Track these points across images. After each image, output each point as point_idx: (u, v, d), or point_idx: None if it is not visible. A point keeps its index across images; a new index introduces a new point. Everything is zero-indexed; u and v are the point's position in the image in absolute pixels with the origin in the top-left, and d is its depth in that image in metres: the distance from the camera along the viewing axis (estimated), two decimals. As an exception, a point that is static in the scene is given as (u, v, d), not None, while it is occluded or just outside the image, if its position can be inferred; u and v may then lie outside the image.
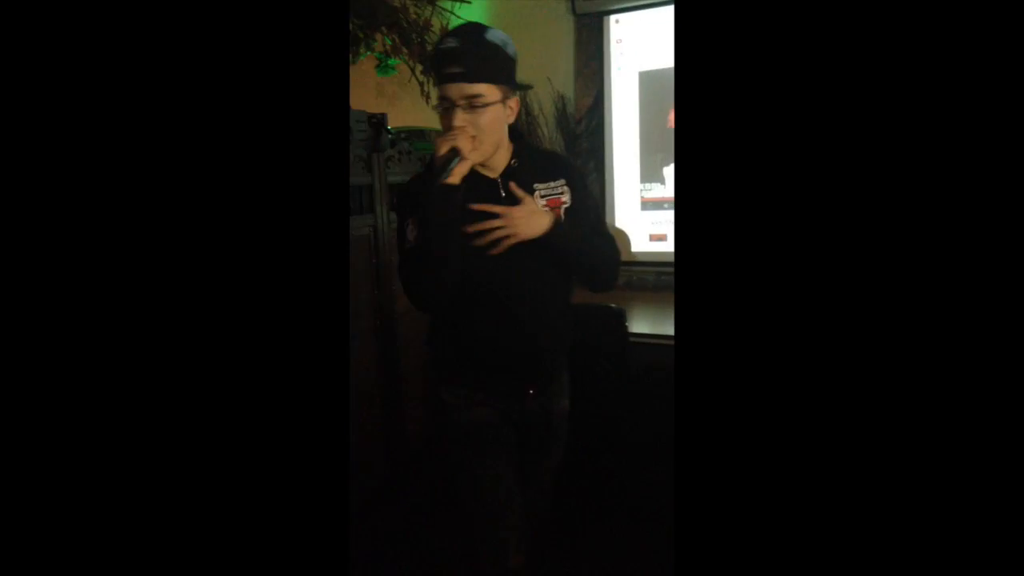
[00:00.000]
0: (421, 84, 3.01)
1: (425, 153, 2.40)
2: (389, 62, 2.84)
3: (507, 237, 1.20)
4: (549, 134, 2.97)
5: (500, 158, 1.29)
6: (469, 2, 2.94)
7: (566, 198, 1.32)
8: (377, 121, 2.17)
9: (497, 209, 1.21)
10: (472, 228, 1.20)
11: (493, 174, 1.29)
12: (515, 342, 1.28)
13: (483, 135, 1.20)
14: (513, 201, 1.24)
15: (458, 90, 1.18)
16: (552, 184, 1.31)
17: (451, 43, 1.18)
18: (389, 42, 2.78)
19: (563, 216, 1.29)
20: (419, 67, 2.94)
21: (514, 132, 1.32)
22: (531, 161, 1.31)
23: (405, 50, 2.81)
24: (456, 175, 1.18)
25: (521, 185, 1.26)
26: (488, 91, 1.19)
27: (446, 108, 1.20)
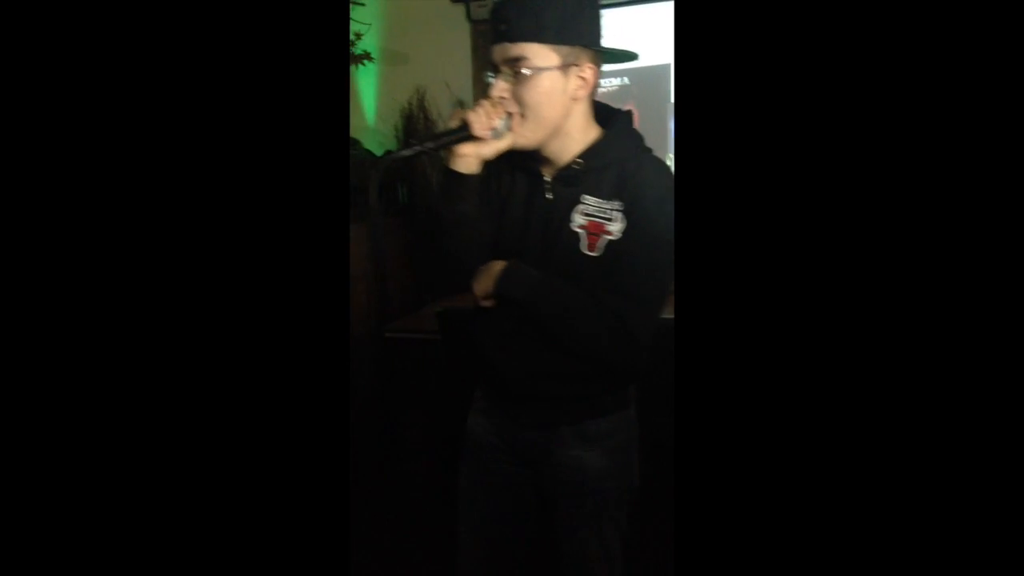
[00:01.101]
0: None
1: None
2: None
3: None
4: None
5: (564, 150, 0.95)
6: (363, 3, 2.90)
7: (613, 227, 0.92)
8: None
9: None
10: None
11: (548, 172, 0.97)
12: (510, 356, 1.00)
13: (528, 111, 0.90)
14: (556, 212, 0.95)
15: (500, 52, 0.90)
16: (605, 204, 0.93)
17: None
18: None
19: (603, 251, 0.93)
20: (312, 68, 2.86)
21: (614, 119, 0.98)
22: (600, 164, 0.95)
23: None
24: (466, 158, 0.91)
25: (569, 192, 0.95)
26: (536, 53, 0.88)
27: (491, 77, 0.93)
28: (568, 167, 0.96)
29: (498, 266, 0.96)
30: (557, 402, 1.02)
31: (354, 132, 3.01)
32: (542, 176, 0.98)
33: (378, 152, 2.87)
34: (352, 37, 2.84)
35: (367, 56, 2.88)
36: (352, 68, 2.91)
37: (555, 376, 0.99)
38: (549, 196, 0.97)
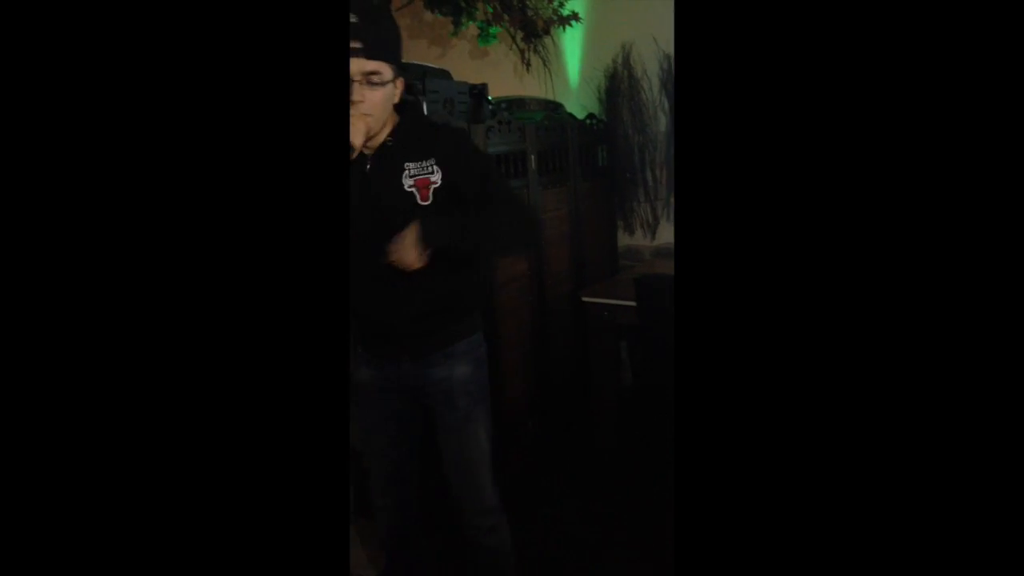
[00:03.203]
0: (522, 52, 2.98)
1: (525, 122, 2.39)
2: (490, 31, 2.84)
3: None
4: (653, 96, 2.87)
5: (380, 135, 1.31)
6: (571, -36, 2.87)
7: (435, 178, 1.28)
8: (478, 92, 2.19)
9: (399, 236, 1.21)
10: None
11: (368, 151, 1.32)
12: (389, 309, 1.34)
13: (375, 111, 1.24)
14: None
15: (357, 65, 1.21)
16: (423, 163, 1.29)
17: (352, 18, 1.20)
18: (491, 10, 2.78)
19: (431, 196, 1.28)
20: (520, 34, 2.92)
21: (401, 108, 1.34)
22: (408, 139, 1.31)
23: (506, 17, 2.80)
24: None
25: (392, 164, 1.29)
26: (384, 69, 1.23)
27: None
28: (383, 146, 1.31)
29: (411, 233, 1.19)
30: (429, 336, 1.37)
31: (557, 96, 3.03)
32: (363, 155, 1.31)
33: (580, 115, 2.86)
34: (560, -2, 2.85)
35: (575, 16, 2.86)
36: (559, 30, 2.91)
37: (426, 317, 1.35)
38: (368, 167, 1.31)
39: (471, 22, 2.82)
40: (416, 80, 1.97)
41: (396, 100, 1.30)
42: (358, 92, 1.22)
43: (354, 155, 1.24)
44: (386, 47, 1.24)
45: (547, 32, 2.90)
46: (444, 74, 2.24)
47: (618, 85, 2.91)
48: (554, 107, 2.75)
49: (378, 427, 1.45)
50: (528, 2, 2.81)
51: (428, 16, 2.86)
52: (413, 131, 1.33)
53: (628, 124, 2.91)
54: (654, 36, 2.80)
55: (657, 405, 2.55)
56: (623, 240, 3.04)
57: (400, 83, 1.30)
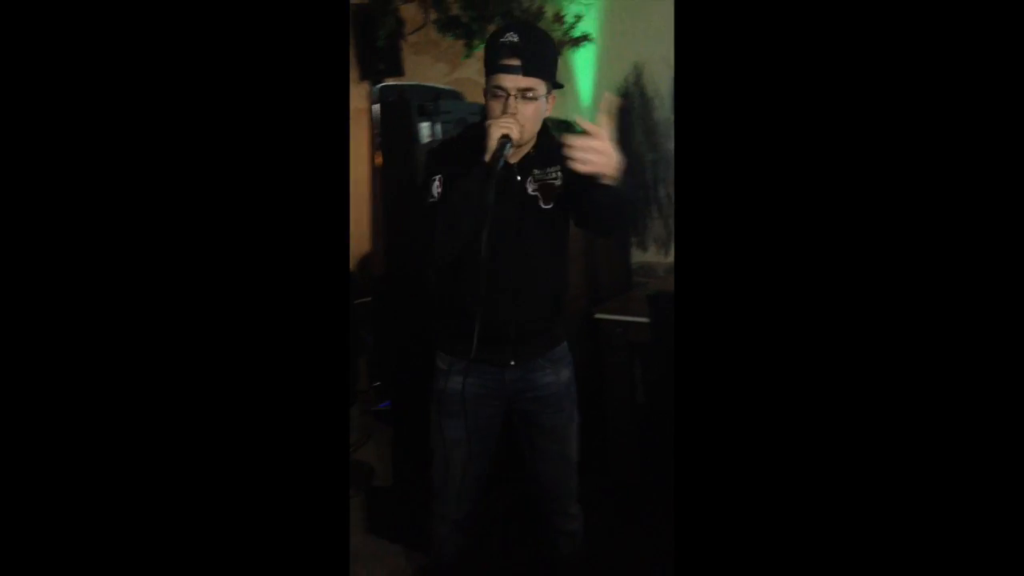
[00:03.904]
0: (534, 72, 3.00)
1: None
2: (503, 52, 2.87)
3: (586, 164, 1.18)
4: (665, 114, 2.88)
5: (526, 146, 1.40)
6: (583, -16, 2.91)
7: (557, 183, 1.41)
8: (490, 112, 2.22)
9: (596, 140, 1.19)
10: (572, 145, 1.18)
11: (513, 160, 1.40)
12: (494, 316, 1.38)
13: (528, 124, 1.33)
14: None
15: (515, 81, 1.30)
16: (548, 170, 1.40)
17: (513, 37, 1.31)
18: (503, 32, 2.82)
19: (555, 202, 1.41)
20: (532, 55, 2.95)
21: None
22: (543, 151, 1.41)
23: (518, 39, 2.84)
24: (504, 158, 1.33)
25: (525, 171, 1.40)
26: (539, 85, 1.32)
27: (498, 95, 1.32)
28: (527, 157, 1.41)
29: (606, 133, 1.17)
30: (533, 341, 1.46)
31: (569, 114, 3.06)
32: (510, 167, 1.39)
33: (593, 133, 2.88)
34: (572, 19, 2.87)
35: (586, 38, 2.90)
36: (571, 51, 2.95)
37: (531, 321, 1.44)
38: (519, 178, 1.41)
39: (483, 44, 2.86)
40: (429, 101, 2.00)
41: (546, 114, 1.39)
42: (514, 105, 1.31)
43: (510, 152, 1.30)
44: (543, 65, 1.33)
45: (559, 53, 2.94)
46: (456, 95, 2.27)
47: (631, 103, 2.93)
48: (566, 126, 2.77)
49: (470, 435, 1.47)
50: (539, 23, 2.85)
51: (438, 38, 2.91)
52: (546, 145, 1.43)
53: (641, 142, 2.92)
54: (665, 56, 2.83)
55: (671, 422, 2.53)
56: (637, 257, 3.03)
57: (552, 99, 1.38)
